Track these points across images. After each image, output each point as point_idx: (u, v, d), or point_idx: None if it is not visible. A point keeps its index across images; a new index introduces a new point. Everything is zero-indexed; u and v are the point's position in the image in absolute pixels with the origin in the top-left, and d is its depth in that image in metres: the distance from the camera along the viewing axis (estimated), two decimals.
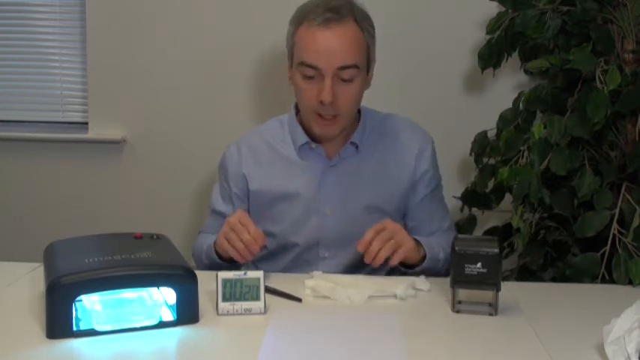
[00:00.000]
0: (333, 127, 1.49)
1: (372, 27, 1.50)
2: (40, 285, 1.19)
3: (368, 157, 1.56)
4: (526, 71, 2.05)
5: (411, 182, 1.57)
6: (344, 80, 1.43)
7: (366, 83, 1.52)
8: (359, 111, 1.59)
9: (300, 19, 1.46)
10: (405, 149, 1.58)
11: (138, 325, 1.14)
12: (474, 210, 2.03)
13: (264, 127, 1.63)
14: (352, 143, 1.55)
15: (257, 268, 1.60)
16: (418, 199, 1.58)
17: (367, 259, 1.35)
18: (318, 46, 1.41)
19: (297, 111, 1.58)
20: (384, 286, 1.33)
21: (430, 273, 1.43)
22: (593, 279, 1.59)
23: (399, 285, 1.32)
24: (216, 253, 1.46)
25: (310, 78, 1.44)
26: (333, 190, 1.54)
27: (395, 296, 1.31)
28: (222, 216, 1.56)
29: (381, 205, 1.55)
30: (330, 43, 1.41)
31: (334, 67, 1.41)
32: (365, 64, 1.48)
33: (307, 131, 1.54)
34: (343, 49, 1.42)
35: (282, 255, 1.58)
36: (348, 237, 1.51)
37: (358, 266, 1.52)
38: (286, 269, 1.57)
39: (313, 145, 1.54)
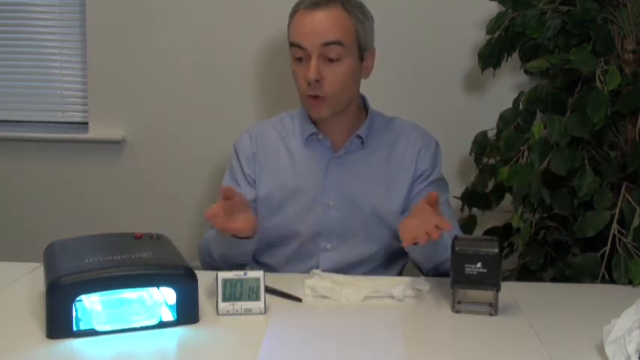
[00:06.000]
0: (320, 108, 1.50)
1: (365, 15, 1.53)
2: (40, 285, 1.19)
3: (373, 153, 1.58)
4: (526, 71, 2.05)
5: (412, 181, 1.58)
6: (330, 60, 1.48)
7: (359, 70, 1.54)
8: (366, 108, 1.61)
9: (294, 9, 1.53)
10: (407, 149, 1.59)
11: (138, 325, 1.14)
12: (474, 210, 2.03)
13: (276, 120, 1.66)
14: (358, 137, 1.57)
15: (259, 261, 1.61)
16: (414, 194, 1.58)
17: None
18: (304, 26, 1.48)
19: None
20: (382, 286, 1.33)
21: (432, 259, 1.43)
22: (593, 279, 1.59)
23: (397, 286, 1.32)
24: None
25: (300, 60, 1.49)
26: (336, 182, 1.56)
27: (392, 297, 1.31)
28: None
29: (383, 202, 1.55)
30: (314, 23, 1.47)
31: (318, 44, 1.46)
32: (354, 48, 1.50)
33: (315, 122, 1.57)
34: (326, 27, 1.47)
35: (284, 246, 1.58)
36: (350, 230, 1.54)
37: (360, 261, 1.54)
38: (288, 261, 1.57)
39: (320, 136, 1.57)
